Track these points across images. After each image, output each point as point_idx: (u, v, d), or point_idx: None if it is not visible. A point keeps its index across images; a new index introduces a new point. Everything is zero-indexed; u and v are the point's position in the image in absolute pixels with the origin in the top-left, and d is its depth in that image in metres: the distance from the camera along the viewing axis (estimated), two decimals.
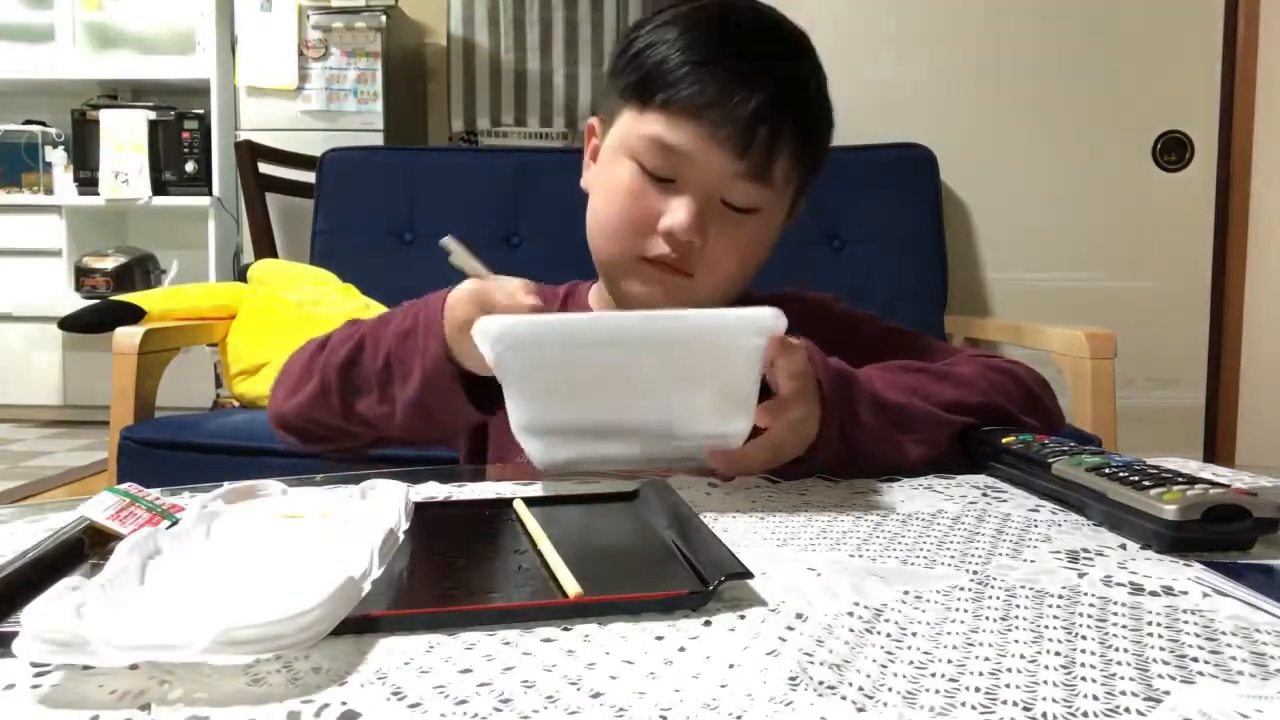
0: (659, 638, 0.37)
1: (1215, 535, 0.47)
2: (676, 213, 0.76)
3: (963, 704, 0.31)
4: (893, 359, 0.76)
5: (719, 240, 0.78)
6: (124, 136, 3.57)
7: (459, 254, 0.71)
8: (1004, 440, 0.65)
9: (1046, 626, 0.38)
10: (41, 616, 0.33)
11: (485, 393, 0.69)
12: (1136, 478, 0.51)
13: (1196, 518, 0.47)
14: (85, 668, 0.33)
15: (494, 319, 0.59)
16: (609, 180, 0.80)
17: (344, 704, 0.31)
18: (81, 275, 3.51)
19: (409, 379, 0.71)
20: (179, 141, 3.58)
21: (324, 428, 0.78)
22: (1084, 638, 0.37)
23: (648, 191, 0.78)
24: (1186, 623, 0.39)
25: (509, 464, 0.78)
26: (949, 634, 0.37)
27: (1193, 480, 0.50)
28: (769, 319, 0.59)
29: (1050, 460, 0.58)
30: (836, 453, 0.65)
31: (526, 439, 0.61)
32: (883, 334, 0.87)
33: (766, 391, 0.63)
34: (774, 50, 0.79)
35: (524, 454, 0.63)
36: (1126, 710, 0.31)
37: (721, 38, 0.77)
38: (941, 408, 0.70)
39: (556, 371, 0.59)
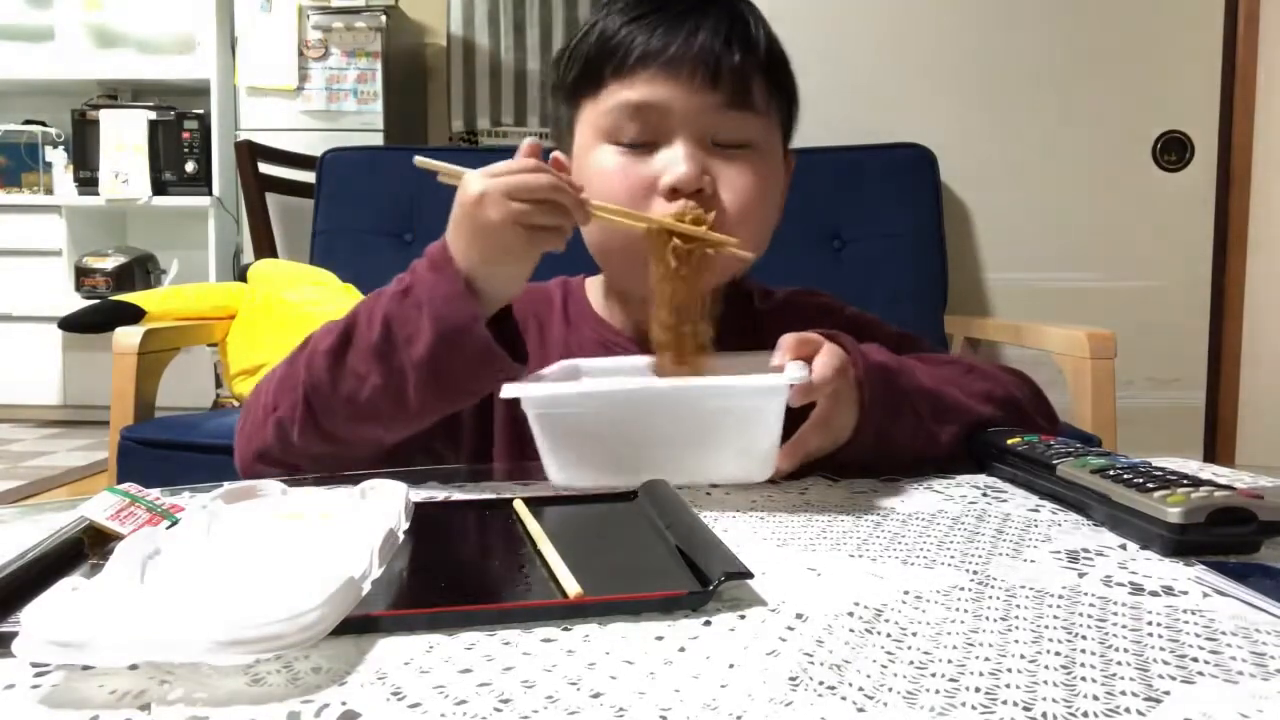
0: (659, 638, 0.37)
1: (1219, 538, 0.47)
2: (675, 164, 0.71)
3: (963, 704, 0.31)
4: None
5: (727, 178, 0.73)
6: (124, 136, 3.57)
7: (438, 167, 0.68)
8: (1009, 441, 0.65)
9: (1046, 626, 0.38)
10: (41, 616, 0.33)
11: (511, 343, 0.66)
12: (1140, 480, 0.51)
13: (1200, 521, 0.47)
14: (85, 668, 0.33)
15: (526, 386, 0.61)
16: (593, 174, 0.74)
17: (344, 704, 0.31)
18: (81, 275, 3.51)
19: (416, 338, 0.63)
20: (179, 141, 3.58)
21: (306, 455, 0.69)
22: (1084, 638, 0.37)
23: (635, 163, 0.73)
24: (1187, 623, 0.39)
25: (509, 464, 0.77)
26: (949, 634, 0.37)
27: (1197, 482, 0.50)
28: (781, 381, 0.60)
29: (1055, 461, 0.58)
30: (870, 450, 0.66)
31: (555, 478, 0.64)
32: (891, 339, 0.84)
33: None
34: None
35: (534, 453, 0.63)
36: (1126, 710, 0.31)
37: None
38: (972, 398, 0.72)
39: (587, 432, 0.62)
